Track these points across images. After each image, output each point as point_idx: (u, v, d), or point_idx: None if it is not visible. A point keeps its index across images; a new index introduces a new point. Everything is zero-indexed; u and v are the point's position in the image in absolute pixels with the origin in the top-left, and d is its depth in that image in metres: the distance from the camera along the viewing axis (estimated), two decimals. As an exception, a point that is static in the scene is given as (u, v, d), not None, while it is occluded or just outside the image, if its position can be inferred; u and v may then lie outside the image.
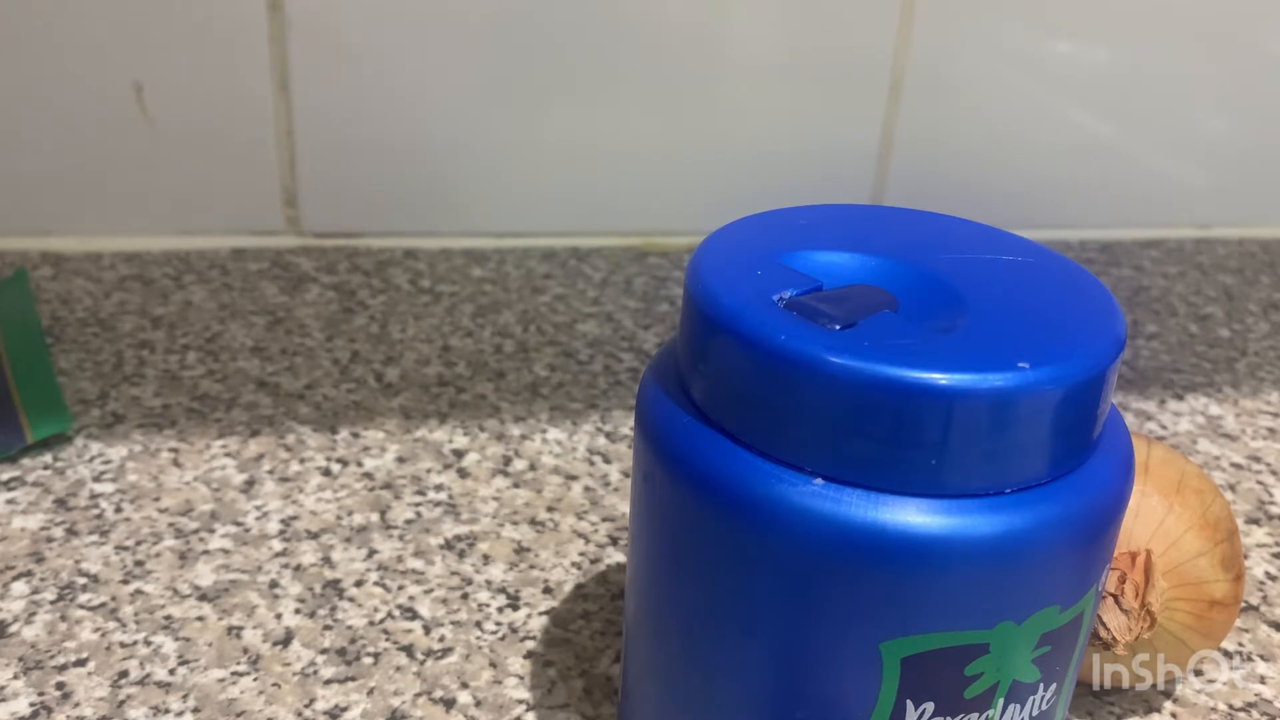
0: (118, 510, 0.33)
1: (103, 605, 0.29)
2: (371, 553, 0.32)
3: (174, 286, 0.45)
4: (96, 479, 0.34)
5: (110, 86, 0.45)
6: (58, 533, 0.32)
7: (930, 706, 0.20)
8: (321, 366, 0.40)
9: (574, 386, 0.40)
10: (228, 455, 0.35)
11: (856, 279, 0.21)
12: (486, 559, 0.32)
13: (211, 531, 0.32)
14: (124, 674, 0.27)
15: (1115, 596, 0.25)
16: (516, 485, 0.35)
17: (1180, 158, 0.55)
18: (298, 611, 0.29)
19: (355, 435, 0.37)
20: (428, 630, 0.29)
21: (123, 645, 0.28)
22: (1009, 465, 0.19)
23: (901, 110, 0.51)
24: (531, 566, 0.32)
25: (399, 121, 0.48)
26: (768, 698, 0.20)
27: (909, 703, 0.20)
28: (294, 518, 0.33)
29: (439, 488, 0.35)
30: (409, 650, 0.29)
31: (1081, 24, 0.52)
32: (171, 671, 0.27)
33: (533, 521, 0.33)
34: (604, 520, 0.34)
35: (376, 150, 0.48)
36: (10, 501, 0.33)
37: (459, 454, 0.36)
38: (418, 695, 0.27)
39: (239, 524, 0.32)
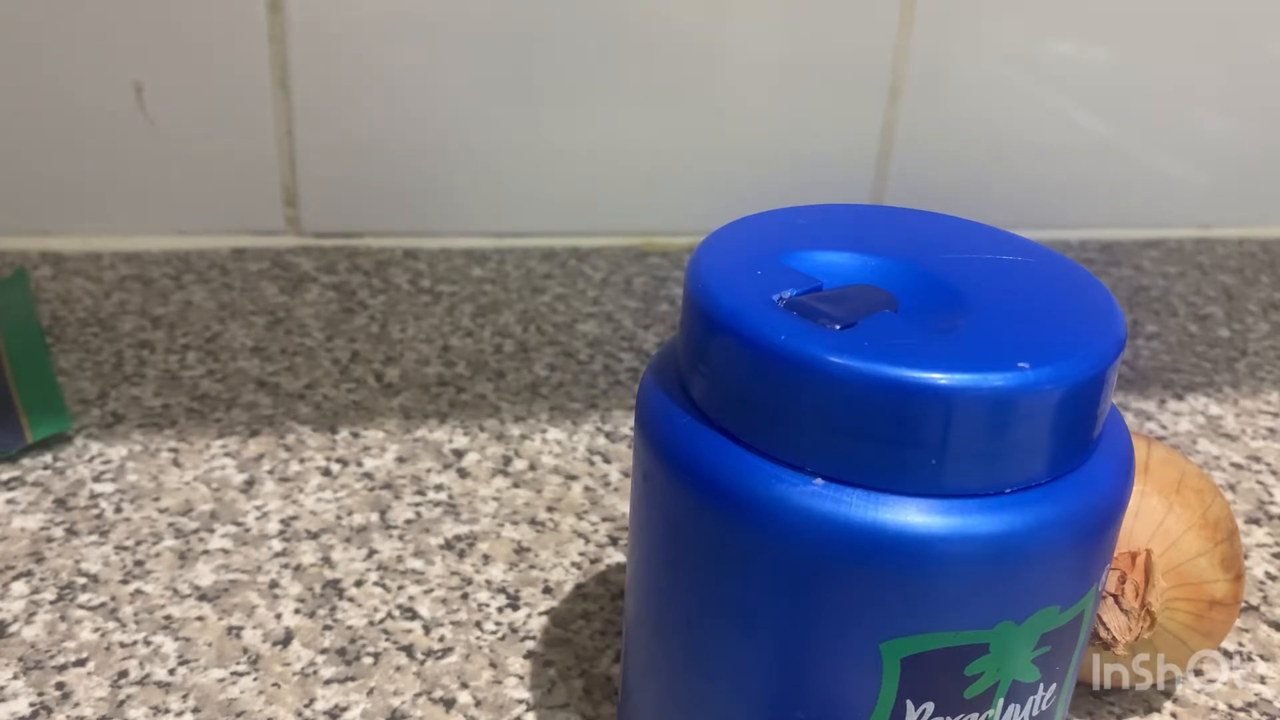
0: (118, 510, 0.33)
1: (103, 605, 0.29)
2: (371, 553, 0.32)
3: (174, 286, 0.45)
4: (96, 479, 0.34)
5: (110, 86, 0.45)
6: (58, 533, 0.32)
7: (930, 706, 0.20)
8: (321, 366, 0.40)
9: (574, 386, 0.40)
10: (228, 455, 0.35)
11: (856, 279, 0.21)
12: (486, 559, 0.32)
13: (211, 531, 0.32)
14: (124, 674, 0.27)
15: (1115, 596, 0.25)
16: (516, 485, 0.35)
17: (1180, 158, 0.55)
18: (298, 611, 0.29)
19: (355, 435, 0.37)
20: (428, 630, 0.29)
21: (123, 645, 0.28)
22: (1009, 465, 0.19)
23: (901, 111, 0.51)
24: (531, 566, 0.32)
25: (399, 121, 0.48)
26: (768, 698, 0.20)
27: (909, 703, 0.20)
28: (294, 518, 0.33)
29: (439, 488, 0.35)
30: (409, 650, 0.29)
31: (1081, 24, 0.52)
32: (171, 671, 0.27)
33: (533, 521, 0.33)
34: (604, 520, 0.34)
35: (376, 150, 0.48)
36: (10, 501, 0.33)
37: (459, 454, 0.36)
38: (418, 695, 0.27)
39: (239, 524, 0.32)
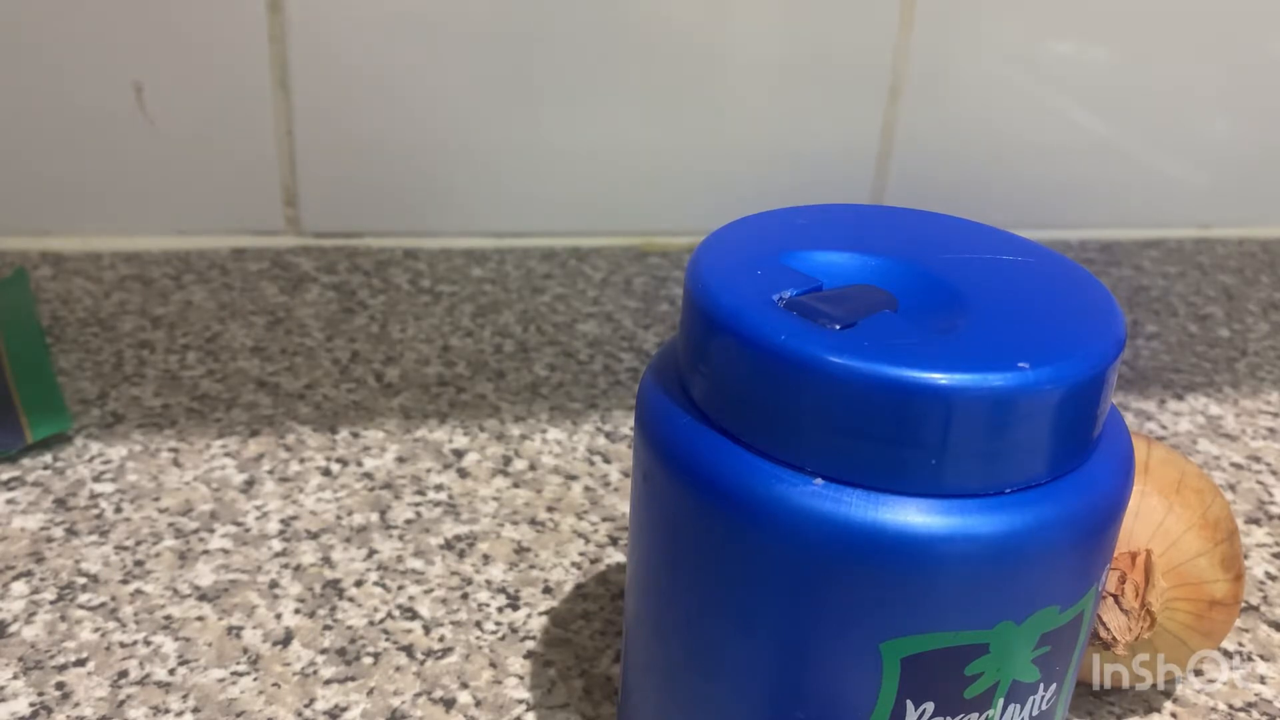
0: (118, 510, 0.33)
1: (103, 605, 0.29)
2: (371, 553, 0.32)
3: (174, 286, 0.45)
4: (96, 479, 0.34)
5: (110, 86, 0.46)
6: (58, 533, 0.32)
7: (930, 706, 0.20)
8: (321, 366, 0.40)
9: (574, 386, 0.40)
10: (228, 455, 0.35)
11: (856, 279, 0.21)
12: (486, 559, 0.32)
13: (211, 531, 0.32)
14: (124, 674, 0.27)
15: (1115, 596, 0.25)
16: (516, 485, 0.35)
17: (1180, 158, 0.55)
18: (298, 611, 0.29)
19: (355, 435, 0.37)
20: (428, 630, 0.29)
21: (123, 645, 0.28)
22: (1009, 465, 0.19)
23: (901, 111, 0.51)
24: (531, 566, 0.32)
25: (399, 121, 0.48)
26: (768, 698, 0.20)
27: (909, 702, 0.20)
28: (294, 518, 0.33)
29: (439, 488, 0.35)
30: (409, 650, 0.29)
31: (1081, 24, 0.52)
32: (171, 671, 0.27)
33: (533, 521, 0.33)
34: (604, 520, 0.34)
35: (376, 150, 0.48)
36: (10, 501, 0.33)
37: (459, 454, 0.36)
38: (418, 695, 0.27)
39: (239, 524, 0.32)
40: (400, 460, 0.36)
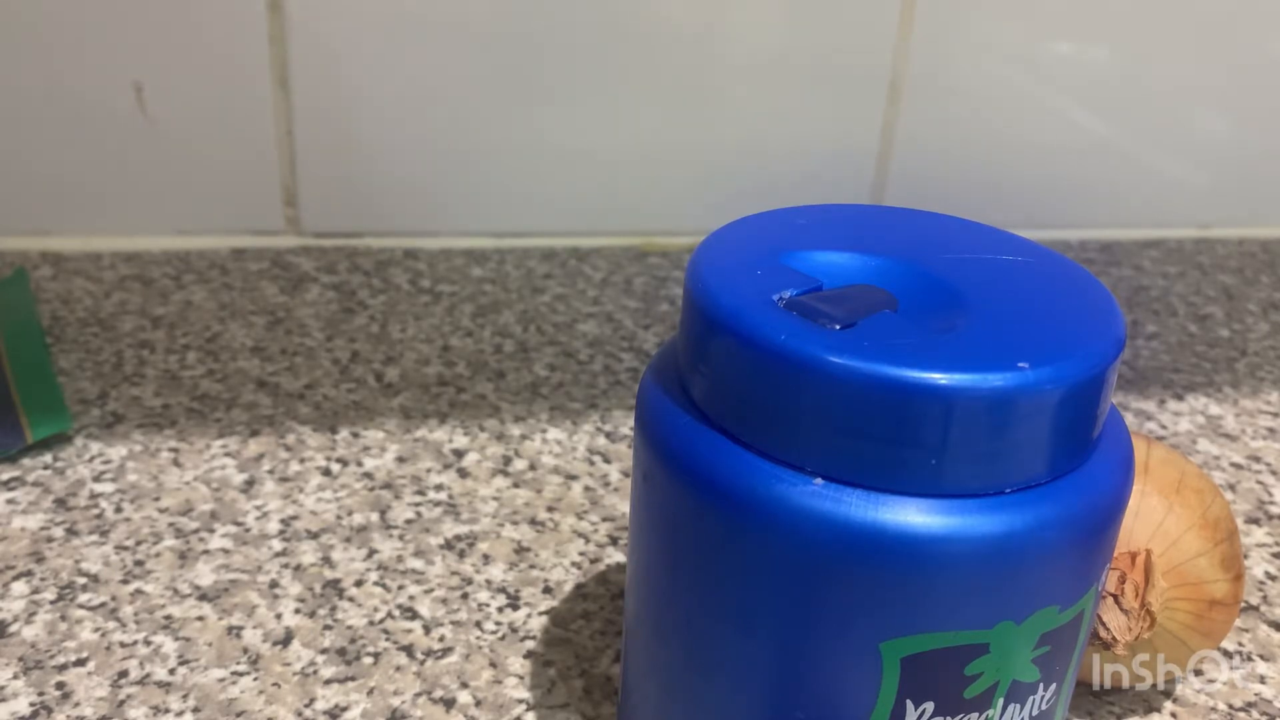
0: (118, 510, 0.33)
1: (103, 605, 0.29)
2: (371, 553, 0.32)
3: (174, 286, 0.45)
4: (96, 479, 0.34)
5: (110, 86, 0.46)
6: (58, 533, 0.32)
7: (930, 706, 0.20)
8: (321, 366, 0.40)
9: (574, 386, 0.40)
10: (228, 455, 0.35)
11: (856, 279, 0.21)
12: (486, 559, 0.32)
13: (211, 531, 0.32)
14: (124, 674, 0.27)
15: (1115, 596, 0.25)
16: (516, 485, 0.35)
17: (1180, 158, 0.55)
18: (298, 611, 0.29)
19: (355, 435, 0.37)
20: (428, 630, 0.29)
21: (123, 645, 0.28)
22: (1009, 465, 0.19)
23: (901, 111, 0.51)
24: (531, 566, 0.32)
25: (399, 121, 0.48)
26: (767, 698, 0.20)
27: (909, 702, 0.20)
28: (294, 518, 0.33)
29: (439, 488, 0.35)
30: (409, 650, 0.29)
31: (1081, 24, 0.52)
32: (171, 671, 0.27)
33: (533, 521, 0.33)
34: (604, 520, 0.34)
35: (376, 150, 0.48)
36: (10, 501, 0.33)
37: (459, 454, 0.36)
38: (418, 695, 0.27)
39: (239, 524, 0.32)
40: (400, 460, 0.36)
